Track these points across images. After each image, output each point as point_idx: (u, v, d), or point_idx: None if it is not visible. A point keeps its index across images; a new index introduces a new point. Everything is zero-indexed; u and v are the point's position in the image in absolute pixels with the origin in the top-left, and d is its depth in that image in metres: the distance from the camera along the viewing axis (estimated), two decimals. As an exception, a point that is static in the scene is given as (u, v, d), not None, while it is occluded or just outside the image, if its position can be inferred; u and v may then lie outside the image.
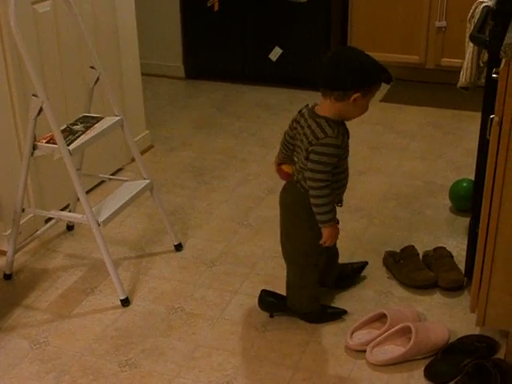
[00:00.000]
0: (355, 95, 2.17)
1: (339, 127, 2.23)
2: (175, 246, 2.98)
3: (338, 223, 2.35)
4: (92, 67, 2.71)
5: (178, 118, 4.38)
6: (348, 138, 2.31)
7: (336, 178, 2.28)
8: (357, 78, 2.16)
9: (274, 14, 4.63)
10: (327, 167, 2.20)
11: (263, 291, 2.58)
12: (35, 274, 2.84)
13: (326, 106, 2.23)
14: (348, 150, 2.31)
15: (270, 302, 2.57)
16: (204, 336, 2.48)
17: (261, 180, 3.57)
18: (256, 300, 2.60)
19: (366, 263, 2.76)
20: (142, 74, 3.85)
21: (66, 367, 2.34)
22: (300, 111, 2.33)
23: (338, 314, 2.55)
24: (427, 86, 4.71)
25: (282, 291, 2.67)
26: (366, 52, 2.24)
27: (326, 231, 2.28)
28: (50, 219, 2.99)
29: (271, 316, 2.56)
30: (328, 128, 2.20)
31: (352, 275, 2.73)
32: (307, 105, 2.33)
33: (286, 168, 2.45)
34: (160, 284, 2.76)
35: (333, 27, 4.63)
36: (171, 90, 4.87)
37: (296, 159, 2.34)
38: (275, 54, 4.73)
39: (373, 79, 2.19)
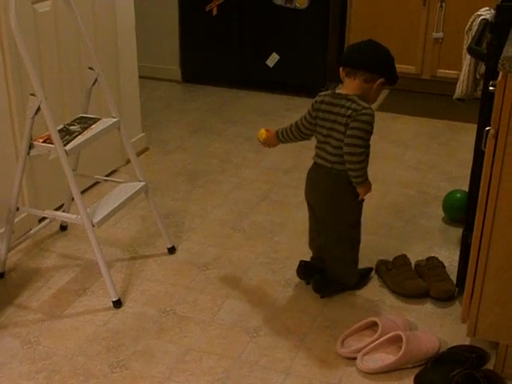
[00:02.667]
0: (380, 80, 2.45)
1: None
2: (168, 248, 2.98)
3: None
4: (90, 68, 2.71)
5: (173, 122, 4.39)
6: None
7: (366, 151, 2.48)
8: (386, 65, 2.47)
9: (272, 20, 4.64)
10: (367, 135, 2.43)
11: (302, 261, 2.75)
12: (28, 273, 2.84)
13: (353, 86, 2.45)
14: None
15: (308, 270, 2.74)
16: (195, 339, 2.48)
17: (255, 185, 3.58)
18: (249, 304, 2.63)
19: (371, 269, 2.84)
20: (139, 77, 3.85)
21: (57, 367, 2.34)
22: (315, 102, 2.52)
23: (369, 272, 2.81)
24: (423, 97, 4.73)
25: (274, 297, 2.69)
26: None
27: (363, 189, 2.52)
28: (43, 219, 2.99)
29: (308, 283, 2.72)
30: (363, 102, 2.43)
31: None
32: (320, 94, 2.53)
33: (261, 135, 2.69)
34: (152, 286, 2.77)
35: (330, 35, 4.65)
36: (168, 93, 4.88)
37: (327, 144, 2.50)
38: (272, 60, 4.74)
39: (395, 71, 2.50)
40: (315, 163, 2.58)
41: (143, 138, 3.95)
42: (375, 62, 2.44)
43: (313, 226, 2.74)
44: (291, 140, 2.65)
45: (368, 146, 2.46)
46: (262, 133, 2.69)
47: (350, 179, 2.49)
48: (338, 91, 2.50)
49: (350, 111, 2.41)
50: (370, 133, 2.44)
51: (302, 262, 2.78)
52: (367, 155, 2.47)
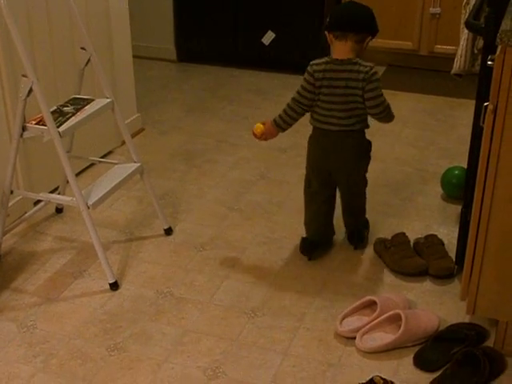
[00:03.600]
0: (368, 38, 2.54)
1: None
2: (165, 230, 2.96)
3: None
4: (83, 48, 2.67)
5: (169, 101, 4.35)
6: None
7: None
8: (371, 23, 2.54)
9: (267, -3, 4.60)
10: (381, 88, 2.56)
11: (304, 238, 2.80)
12: (23, 256, 2.82)
13: (346, 48, 2.51)
14: None
15: (312, 246, 2.78)
16: (193, 321, 2.46)
17: (252, 165, 3.55)
18: (246, 285, 2.62)
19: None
20: (134, 56, 3.81)
21: (54, 351, 2.33)
22: (314, 71, 2.53)
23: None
24: (420, 73, 4.69)
25: (272, 277, 2.67)
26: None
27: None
28: (38, 201, 2.96)
29: (310, 259, 2.76)
30: (366, 62, 2.52)
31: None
32: (315, 63, 2.55)
33: (258, 129, 2.67)
34: (149, 268, 2.75)
35: (326, 12, 4.59)
36: (163, 72, 4.84)
37: (337, 111, 2.56)
38: (268, 38, 4.70)
39: (377, 26, 2.57)
40: (328, 130, 2.59)
41: (138, 118, 3.91)
42: (364, 23, 2.52)
43: (322, 198, 2.74)
44: (293, 120, 2.63)
45: None
46: (259, 126, 2.67)
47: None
48: (334, 57, 2.53)
49: (362, 74, 2.49)
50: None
51: (304, 238, 2.79)
52: None
